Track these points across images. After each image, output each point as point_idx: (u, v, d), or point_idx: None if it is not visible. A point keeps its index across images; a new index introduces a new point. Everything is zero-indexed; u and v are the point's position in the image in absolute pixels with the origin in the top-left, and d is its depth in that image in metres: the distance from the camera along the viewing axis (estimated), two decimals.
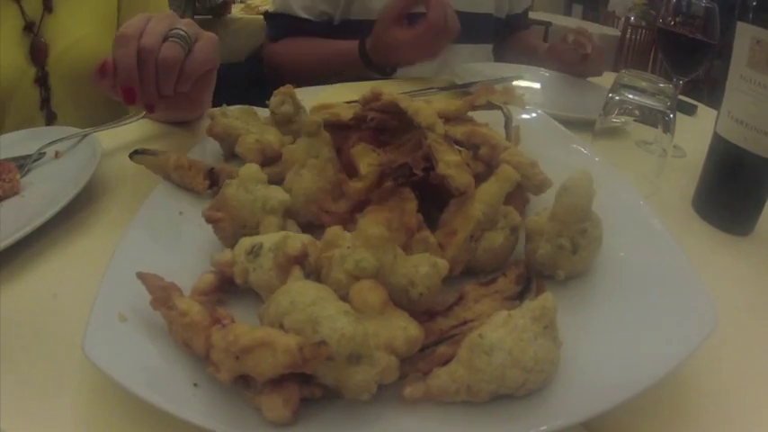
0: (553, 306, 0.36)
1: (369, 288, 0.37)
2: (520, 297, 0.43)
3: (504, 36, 1.42)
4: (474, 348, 0.35)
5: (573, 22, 4.46)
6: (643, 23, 4.28)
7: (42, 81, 0.91)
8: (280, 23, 1.24)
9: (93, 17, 0.96)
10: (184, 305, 0.37)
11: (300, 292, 0.35)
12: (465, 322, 0.39)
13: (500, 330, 0.35)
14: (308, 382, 0.33)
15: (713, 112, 0.67)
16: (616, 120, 0.74)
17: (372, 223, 0.40)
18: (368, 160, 0.51)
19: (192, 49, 0.59)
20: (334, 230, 0.42)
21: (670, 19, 0.85)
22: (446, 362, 0.36)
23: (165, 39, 0.57)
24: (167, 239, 0.49)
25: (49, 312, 0.46)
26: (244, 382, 0.34)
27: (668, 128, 0.68)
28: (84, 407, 0.38)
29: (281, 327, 0.34)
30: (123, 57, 0.55)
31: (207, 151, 0.64)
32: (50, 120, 0.93)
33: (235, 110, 0.64)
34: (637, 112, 0.71)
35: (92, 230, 0.57)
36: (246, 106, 0.66)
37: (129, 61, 0.55)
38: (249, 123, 0.63)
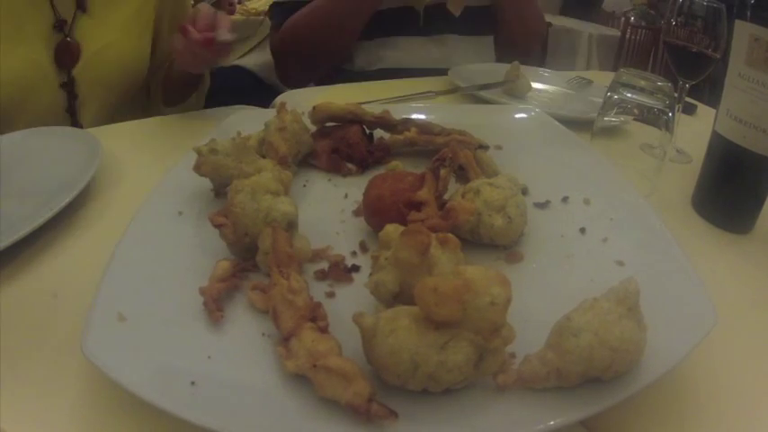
0: (636, 289, 0.36)
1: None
2: None
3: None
4: (562, 332, 0.36)
5: (572, 22, 4.45)
6: (643, 23, 4.27)
7: (68, 86, 0.86)
8: (285, 9, 1.24)
9: (129, 22, 0.89)
10: (297, 284, 0.38)
11: (416, 352, 0.33)
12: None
13: (587, 314, 0.35)
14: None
15: (713, 112, 0.67)
16: (615, 119, 0.74)
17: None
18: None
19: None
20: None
21: (673, 21, 0.84)
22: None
23: None
24: (167, 239, 0.49)
25: (49, 312, 0.46)
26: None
27: (667, 127, 0.68)
28: (83, 406, 0.38)
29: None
30: None
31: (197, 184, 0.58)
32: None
33: (224, 144, 0.57)
34: (636, 111, 0.70)
35: (92, 230, 0.57)
36: (238, 140, 0.59)
37: None
38: (241, 160, 0.56)
